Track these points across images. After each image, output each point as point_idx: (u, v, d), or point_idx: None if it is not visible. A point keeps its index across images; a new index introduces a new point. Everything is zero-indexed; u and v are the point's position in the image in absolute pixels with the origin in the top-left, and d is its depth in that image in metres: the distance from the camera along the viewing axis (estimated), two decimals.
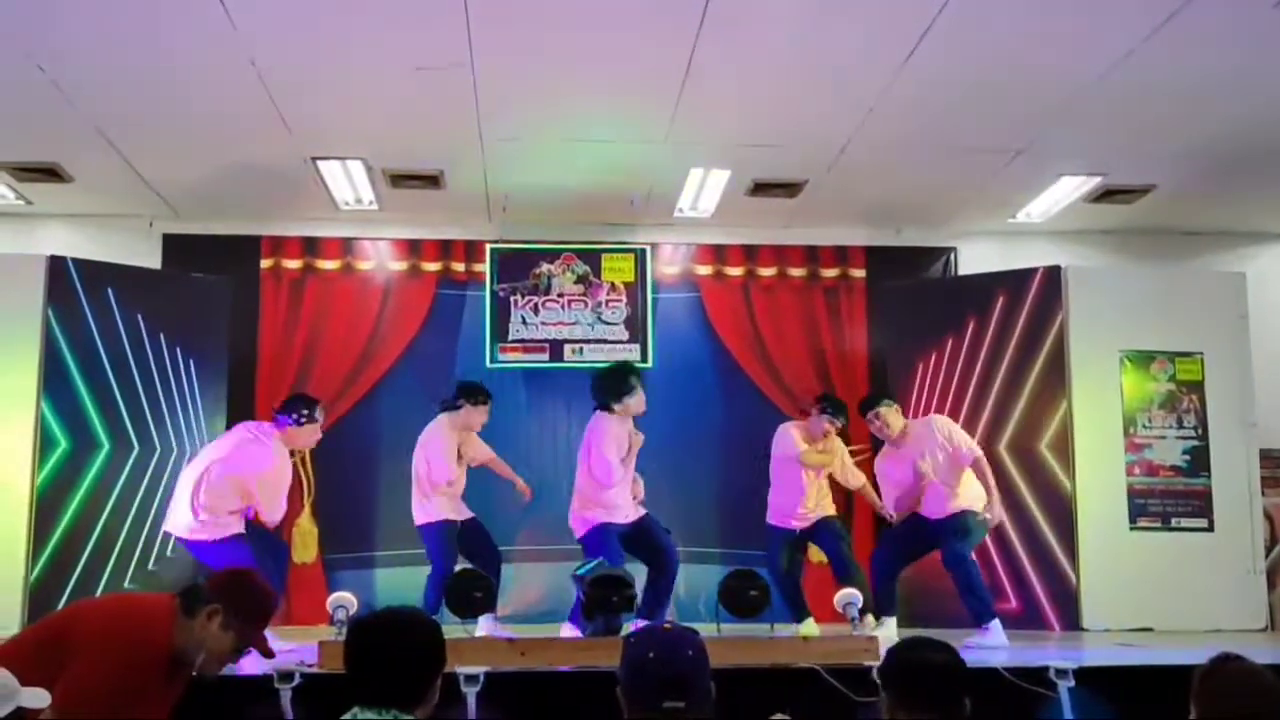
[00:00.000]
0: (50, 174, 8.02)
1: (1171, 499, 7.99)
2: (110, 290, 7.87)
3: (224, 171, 8.03)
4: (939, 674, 2.75)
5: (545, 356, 8.92)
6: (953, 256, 9.47)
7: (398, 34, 6.01)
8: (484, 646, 5.34)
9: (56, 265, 7.77)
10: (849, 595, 6.12)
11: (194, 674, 3.31)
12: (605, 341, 9.03)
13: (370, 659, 2.62)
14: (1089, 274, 8.44)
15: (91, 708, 2.97)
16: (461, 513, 7.19)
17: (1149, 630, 7.47)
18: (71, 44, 6.11)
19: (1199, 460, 8.02)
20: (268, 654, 3.43)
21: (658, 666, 2.48)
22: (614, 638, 5.66)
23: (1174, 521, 7.96)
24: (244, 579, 3.47)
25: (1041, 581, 7.93)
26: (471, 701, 4.51)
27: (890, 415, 7.15)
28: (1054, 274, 8.24)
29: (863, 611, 6.27)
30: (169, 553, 7.76)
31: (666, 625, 2.69)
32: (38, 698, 2.67)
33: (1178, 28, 5.88)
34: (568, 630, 6.50)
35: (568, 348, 8.97)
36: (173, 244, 8.94)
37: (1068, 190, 8.43)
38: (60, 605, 7.40)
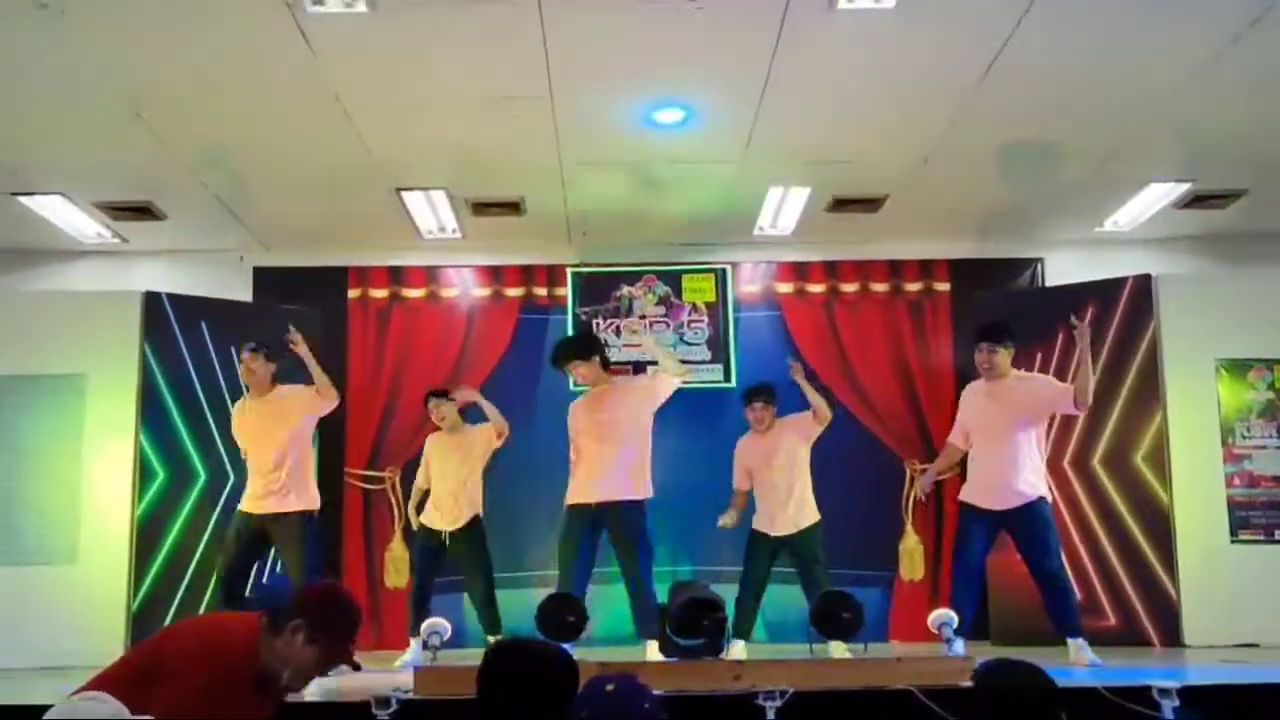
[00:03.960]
0: (144, 212, 8.25)
1: (1274, 511, 7.76)
2: (204, 323, 8.08)
3: (311, 205, 8.21)
4: (1029, 702, 2.66)
5: None
6: (1039, 267, 9.33)
7: (477, 63, 6.11)
8: None
9: (152, 301, 8.02)
10: (944, 615, 6.03)
11: (285, 692, 3.34)
12: (688, 362, 8.98)
13: (510, 687, 2.64)
14: (1180, 282, 8.26)
15: None
16: (445, 522, 7.25)
17: (1254, 646, 7.26)
18: (160, 87, 6.31)
19: None
20: (354, 666, 3.46)
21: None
22: (705, 660, 5.66)
23: (1277, 534, 7.74)
24: (329, 593, 3.51)
25: (1140, 597, 7.76)
26: None
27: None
28: (1144, 283, 8.08)
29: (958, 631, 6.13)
30: (264, 579, 7.91)
31: (609, 689, 2.61)
32: None
33: (1267, 28, 5.76)
34: None
35: (650, 369, 8.96)
36: (263, 277, 9.15)
37: (1156, 197, 8.27)
38: None
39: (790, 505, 7.19)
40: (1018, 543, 6.57)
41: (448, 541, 7.27)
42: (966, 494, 6.65)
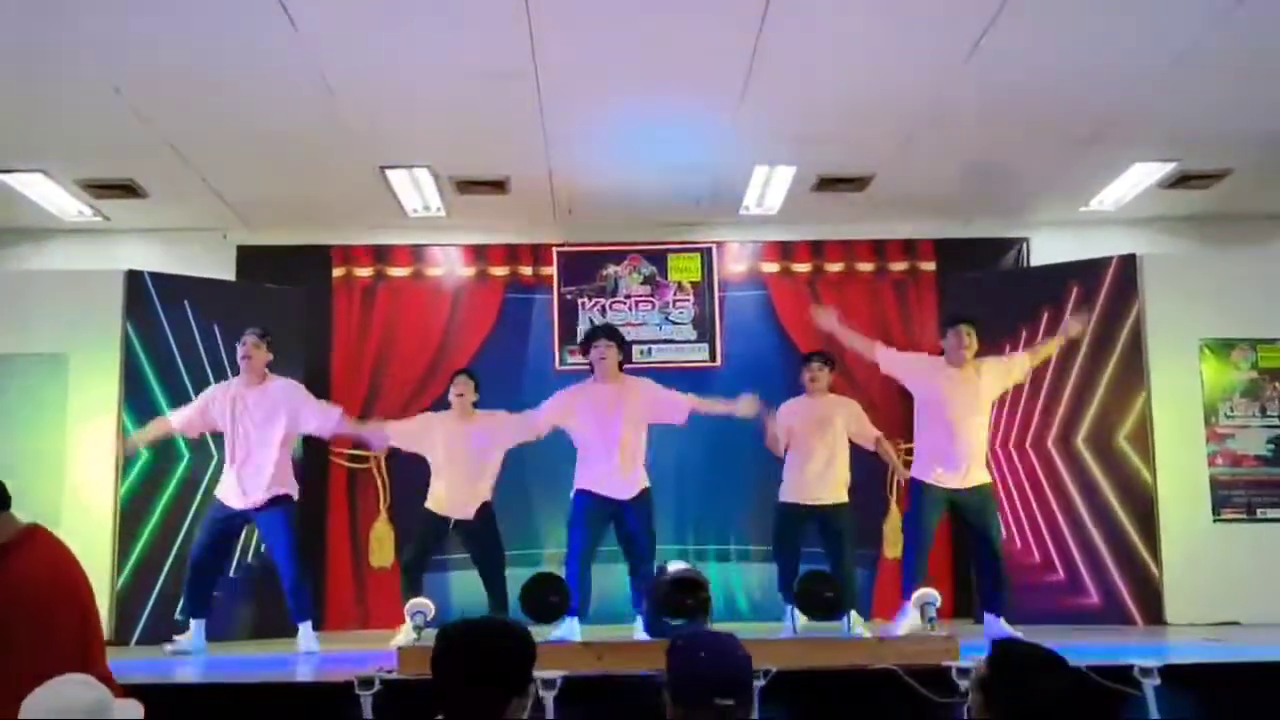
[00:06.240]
0: (126, 190, 8.18)
1: (1256, 489, 7.83)
2: (187, 302, 8.05)
3: (295, 183, 8.15)
4: (1060, 704, 2.62)
5: None
6: (1024, 247, 9.33)
7: (461, 40, 6.07)
8: (561, 651, 5.35)
9: (134, 279, 7.98)
10: (927, 595, 6.03)
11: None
12: (673, 341, 9.04)
13: (459, 668, 2.59)
14: (1165, 262, 8.28)
15: None
16: (455, 509, 7.18)
17: (1235, 624, 7.31)
18: (144, 65, 6.26)
19: None
20: None
21: (710, 667, 2.58)
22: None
23: (1259, 512, 7.79)
24: None
25: (1123, 575, 7.80)
26: (550, 706, 4.53)
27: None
28: (1129, 263, 8.09)
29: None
30: (249, 559, 7.90)
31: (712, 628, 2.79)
32: (128, 709, 2.69)
33: (1251, 9, 5.75)
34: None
35: (636, 349, 8.93)
36: (246, 255, 9.09)
37: (1141, 177, 8.27)
38: (146, 612, 7.58)
39: (827, 476, 7.15)
40: (971, 520, 6.89)
41: (453, 526, 7.17)
42: (924, 473, 6.85)
